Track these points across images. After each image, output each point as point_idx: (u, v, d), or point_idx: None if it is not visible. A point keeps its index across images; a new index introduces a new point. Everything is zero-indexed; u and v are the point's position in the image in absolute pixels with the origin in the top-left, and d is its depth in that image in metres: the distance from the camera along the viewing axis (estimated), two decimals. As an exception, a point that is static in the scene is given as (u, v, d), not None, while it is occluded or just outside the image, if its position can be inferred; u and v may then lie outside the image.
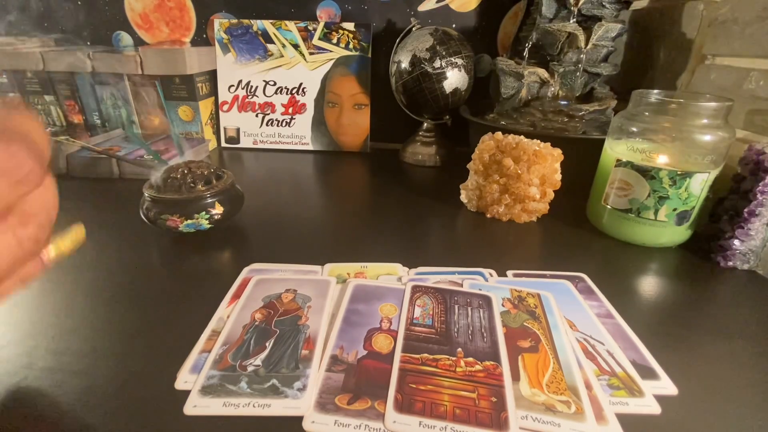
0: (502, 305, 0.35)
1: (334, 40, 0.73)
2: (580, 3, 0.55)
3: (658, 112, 0.42)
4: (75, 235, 0.23)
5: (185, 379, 0.27)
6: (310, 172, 0.69)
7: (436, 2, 0.72)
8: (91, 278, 0.38)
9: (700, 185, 0.41)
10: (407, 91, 0.67)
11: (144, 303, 0.35)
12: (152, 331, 0.31)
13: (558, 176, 0.49)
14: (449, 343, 0.30)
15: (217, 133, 0.79)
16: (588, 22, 0.56)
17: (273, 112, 0.77)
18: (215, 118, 0.78)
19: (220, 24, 0.74)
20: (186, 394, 0.26)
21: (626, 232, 0.45)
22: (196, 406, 0.25)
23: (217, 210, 0.43)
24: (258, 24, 0.73)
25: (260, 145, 0.78)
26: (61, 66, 0.70)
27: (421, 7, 0.73)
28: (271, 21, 0.73)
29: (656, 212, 0.43)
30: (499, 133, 0.50)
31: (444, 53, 0.63)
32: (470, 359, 0.29)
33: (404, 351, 0.29)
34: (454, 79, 0.64)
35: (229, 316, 0.33)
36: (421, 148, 0.71)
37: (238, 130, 0.78)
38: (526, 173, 0.47)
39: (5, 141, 0.15)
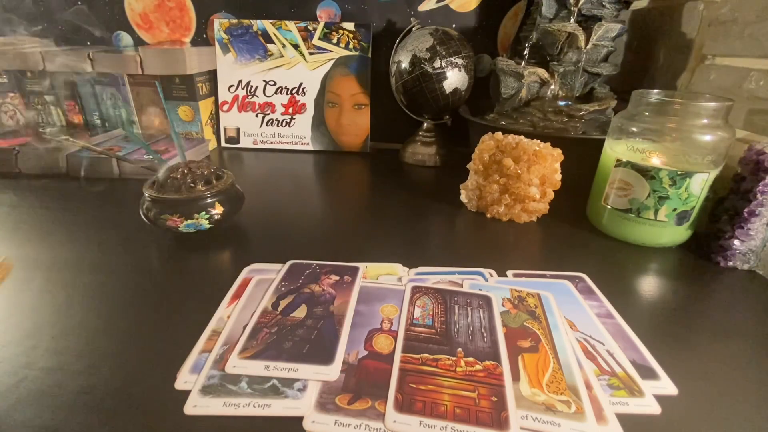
0: (502, 305, 0.35)
1: (334, 40, 0.73)
2: (580, 3, 0.55)
3: (658, 112, 0.42)
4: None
5: (185, 379, 0.27)
6: (310, 172, 0.69)
7: (436, 2, 0.72)
8: (91, 278, 0.38)
9: (700, 185, 0.41)
10: (407, 91, 0.67)
11: (144, 303, 0.35)
12: (152, 331, 0.31)
13: (558, 176, 0.49)
14: (449, 343, 0.30)
15: (217, 133, 0.79)
16: (588, 22, 0.56)
17: (273, 112, 0.77)
18: (215, 118, 0.78)
19: (220, 24, 0.74)
20: (186, 394, 0.26)
21: (626, 232, 0.45)
22: (197, 406, 0.25)
23: (217, 210, 0.43)
24: (258, 24, 0.73)
25: (260, 145, 0.78)
26: (61, 66, 0.70)
27: (421, 7, 0.73)
28: (271, 21, 0.73)
29: (656, 212, 0.43)
30: (499, 133, 0.50)
31: (444, 53, 0.63)
32: (470, 359, 0.29)
33: (404, 351, 0.29)
34: (454, 79, 0.64)
35: (230, 316, 0.33)
36: (421, 148, 0.71)
37: (238, 130, 0.78)
38: (526, 173, 0.47)
39: None
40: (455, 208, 0.54)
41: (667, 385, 0.28)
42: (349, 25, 0.73)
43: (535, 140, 0.48)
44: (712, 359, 0.30)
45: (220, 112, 0.77)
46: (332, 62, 0.74)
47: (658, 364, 0.29)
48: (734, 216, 0.41)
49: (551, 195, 0.50)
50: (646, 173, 0.42)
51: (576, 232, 0.48)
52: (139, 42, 0.79)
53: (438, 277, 0.38)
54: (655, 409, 0.26)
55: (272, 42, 0.74)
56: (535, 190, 0.49)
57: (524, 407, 0.25)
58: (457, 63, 0.64)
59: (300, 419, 0.24)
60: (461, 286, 0.37)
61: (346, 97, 0.75)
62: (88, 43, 0.79)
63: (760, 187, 0.39)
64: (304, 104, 0.76)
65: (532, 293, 0.36)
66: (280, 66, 0.75)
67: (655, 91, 0.45)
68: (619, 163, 0.44)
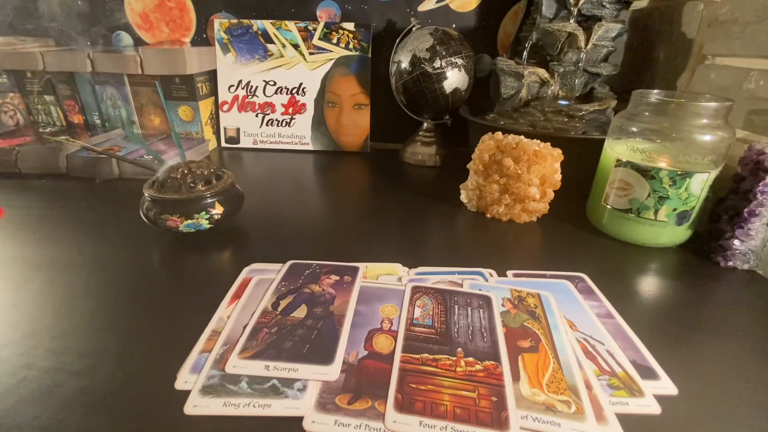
0: (502, 305, 0.35)
1: (334, 40, 0.73)
2: (580, 3, 0.55)
3: (658, 112, 0.42)
4: None
5: (185, 379, 0.27)
6: (310, 172, 0.69)
7: (436, 2, 0.72)
8: (91, 278, 0.38)
9: (700, 185, 0.41)
10: (407, 91, 0.67)
11: (144, 303, 0.35)
12: (152, 331, 0.31)
13: (558, 176, 0.49)
14: (449, 343, 0.30)
15: (217, 133, 0.79)
16: (588, 22, 0.56)
17: (273, 112, 0.77)
18: (215, 118, 0.78)
19: (220, 24, 0.74)
20: (186, 394, 0.26)
21: (626, 232, 0.45)
22: (197, 406, 0.25)
23: (217, 210, 0.43)
24: (258, 24, 0.73)
25: (260, 145, 0.78)
26: (61, 66, 0.70)
27: (421, 7, 0.73)
28: (271, 21, 0.73)
29: (656, 212, 0.43)
30: (499, 133, 0.50)
31: (444, 53, 0.63)
32: (470, 359, 0.29)
33: (404, 351, 0.29)
34: (454, 79, 0.64)
35: (230, 316, 0.33)
36: (421, 148, 0.71)
37: (238, 130, 0.78)
38: (526, 173, 0.47)
39: None
40: (455, 208, 0.54)
41: (667, 385, 0.28)
42: (349, 25, 0.73)
43: (535, 140, 0.48)
44: (712, 359, 0.30)
45: (220, 112, 0.77)
46: (332, 62, 0.74)
47: (658, 364, 0.29)
48: (734, 216, 0.41)
49: (551, 195, 0.50)
50: (646, 173, 0.42)
51: (576, 232, 0.48)
52: (139, 42, 0.79)
53: (438, 277, 0.38)
54: (655, 409, 0.26)
55: (272, 42, 0.74)
56: (535, 190, 0.49)
57: (524, 407, 0.25)
58: (457, 63, 0.63)
59: (300, 419, 0.24)
60: (461, 286, 0.37)
61: (346, 97, 0.75)
62: (88, 43, 0.79)
63: (760, 187, 0.39)
64: (304, 104, 0.76)
65: (532, 293, 0.36)
66: (280, 66, 0.75)
67: (655, 91, 0.45)
68: (619, 163, 0.44)
